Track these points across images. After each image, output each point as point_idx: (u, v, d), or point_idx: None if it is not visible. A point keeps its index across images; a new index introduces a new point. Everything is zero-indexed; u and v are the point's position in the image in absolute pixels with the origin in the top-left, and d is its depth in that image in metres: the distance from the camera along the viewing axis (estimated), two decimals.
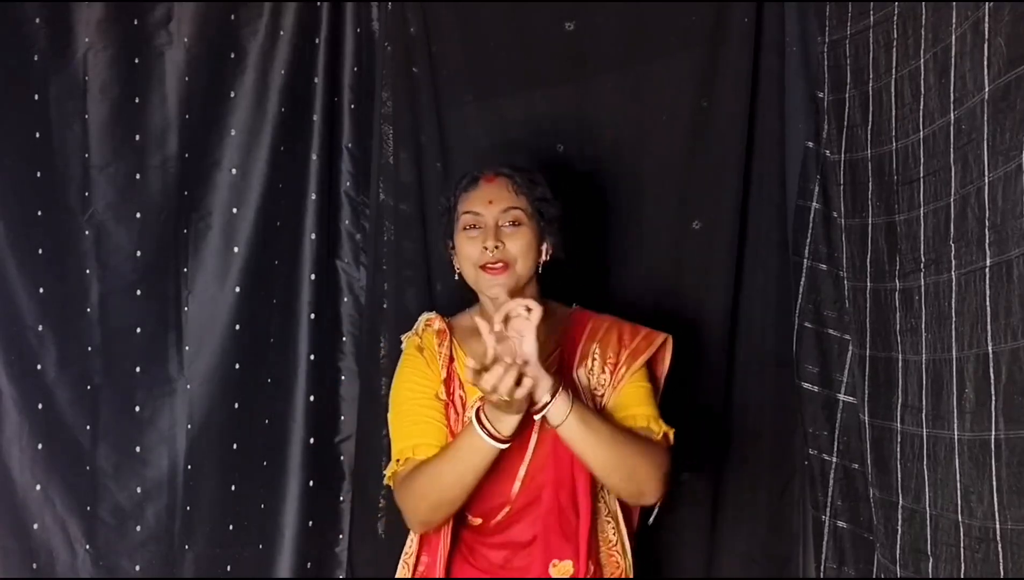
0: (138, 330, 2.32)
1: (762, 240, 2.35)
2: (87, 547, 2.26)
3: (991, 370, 1.50)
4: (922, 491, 1.74)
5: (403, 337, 1.96)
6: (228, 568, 2.41)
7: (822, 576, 2.28)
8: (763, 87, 2.32)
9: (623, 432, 1.77)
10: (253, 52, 2.40)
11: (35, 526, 2.19)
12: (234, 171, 2.40)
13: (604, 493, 1.88)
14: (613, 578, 1.86)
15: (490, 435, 1.67)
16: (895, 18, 1.82)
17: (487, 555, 1.87)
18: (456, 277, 1.92)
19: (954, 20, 1.60)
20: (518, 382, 1.60)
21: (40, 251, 2.18)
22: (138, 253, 2.31)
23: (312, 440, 2.47)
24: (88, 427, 2.26)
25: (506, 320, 1.66)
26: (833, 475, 2.25)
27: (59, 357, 2.21)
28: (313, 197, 2.47)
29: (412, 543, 1.90)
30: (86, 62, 2.24)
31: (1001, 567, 1.49)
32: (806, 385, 2.28)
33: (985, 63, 1.49)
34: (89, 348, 2.27)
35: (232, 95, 2.40)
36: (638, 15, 2.32)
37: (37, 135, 2.19)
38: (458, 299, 2.00)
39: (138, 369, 2.33)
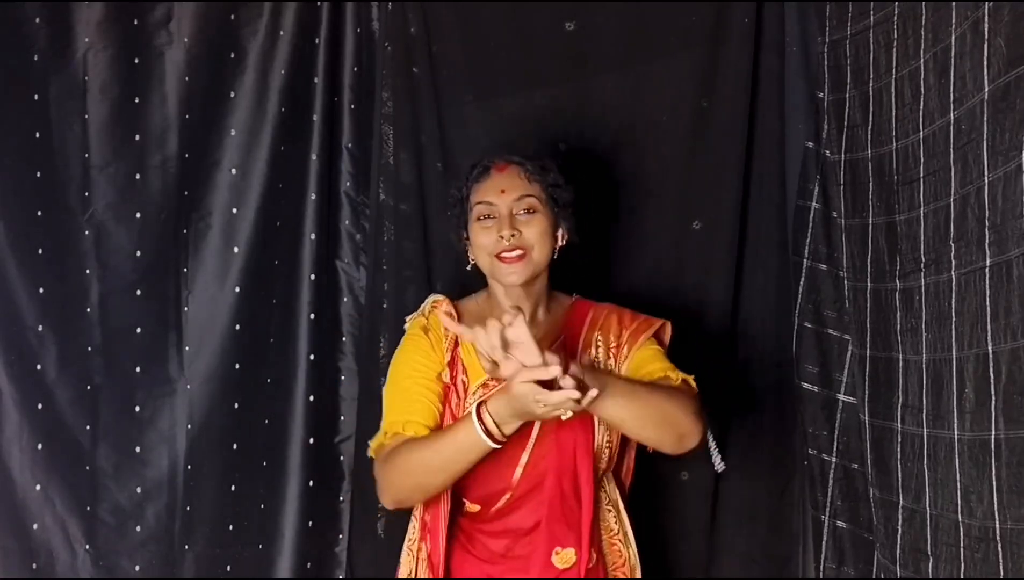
0: (138, 330, 2.32)
1: (762, 240, 2.35)
2: (87, 547, 2.26)
3: (991, 370, 1.50)
4: (922, 491, 1.74)
5: (408, 318, 1.95)
6: (228, 568, 2.41)
7: (822, 576, 2.28)
8: (763, 87, 2.32)
9: (645, 384, 1.76)
10: (253, 52, 2.40)
11: (35, 526, 2.19)
12: (234, 171, 2.40)
13: (605, 482, 1.89)
14: (622, 577, 1.87)
15: (489, 435, 1.66)
16: (895, 18, 1.82)
17: (487, 543, 1.86)
18: (469, 267, 1.92)
19: (954, 20, 1.61)
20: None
21: (40, 251, 2.18)
22: (138, 253, 2.31)
23: (312, 440, 2.47)
24: (88, 427, 2.26)
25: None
26: (833, 475, 2.25)
27: (59, 357, 2.21)
28: (313, 197, 2.47)
29: (415, 529, 1.90)
30: (86, 62, 2.24)
31: (1001, 567, 1.49)
32: (806, 385, 2.29)
33: (985, 63, 1.50)
34: (89, 348, 2.27)
35: (232, 95, 2.40)
36: (638, 15, 2.32)
37: (37, 135, 2.19)
38: (458, 298, 2.00)
39: (138, 369, 2.33)
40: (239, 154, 2.40)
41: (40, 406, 2.18)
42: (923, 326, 1.73)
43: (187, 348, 2.38)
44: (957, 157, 1.60)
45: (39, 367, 2.19)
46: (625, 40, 2.33)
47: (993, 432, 1.50)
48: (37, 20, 2.18)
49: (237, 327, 2.40)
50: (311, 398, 2.47)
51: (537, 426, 1.79)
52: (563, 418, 1.62)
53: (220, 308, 2.40)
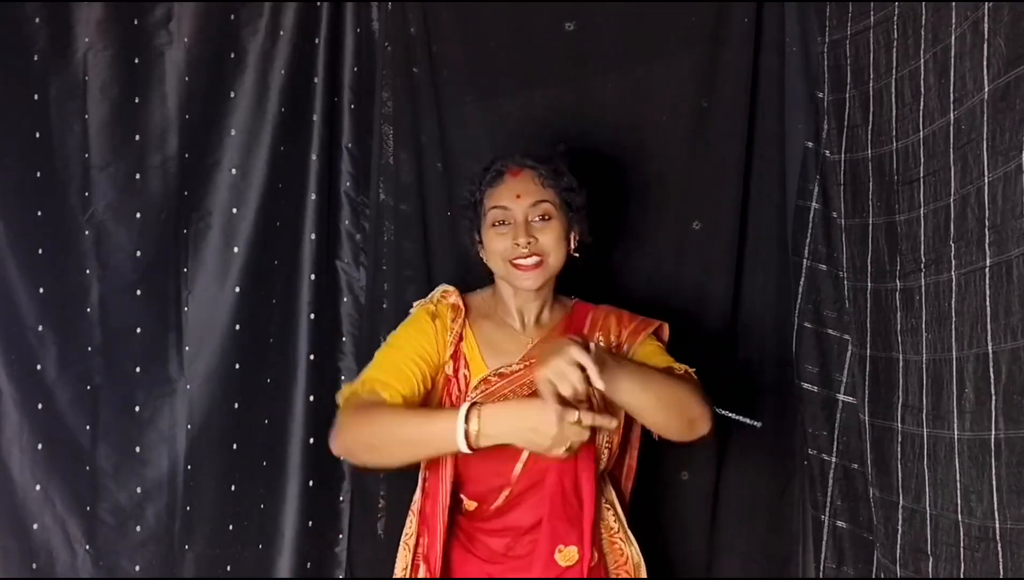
0: (138, 330, 2.32)
1: (762, 240, 2.35)
2: (87, 547, 2.26)
3: (991, 370, 1.50)
4: (922, 491, 1.74)
5: (415, 303, 1.94)
6: (228, 568, 2.41)
7: (822, 576, 2.28)
8: (763, 87, 2.32)
9: (654, 370, 1.77)
10: (253, 52, 2.40)
11: (35, 526, 2.20)
12: (234, 171, 2.40)
13: (602, 482, 1.89)
14: (625, 577, 1.87)
15: (466, 437, 1.63)
16: (895, 18, 1.82)
17: (487, 542, 1.86)
18: (488, 267, 1.93)
19: (954, 20, 1.61)
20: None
21: (40, 251, 2.18)
22: (138, 253, 2.31)
23: (312, 440, 2.47)
24: (88, 427, 2.27)
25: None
26: (833, 475, 2.25)
27: (59, 357, 2.21)
28: (313, 197, 2.46)
29: (411, 524, 1.90)
30: (86, 62, 2.25)
31: (1000, 566, 1.49)
32: (806, 385, 2.29)
33: (985, 63, 1.50)
34: (89, 348, 2.27)
35: (232, 95, 2.40)
36: (638, 15, 2.32)
37: (37, 135, 2.19)
38: None
39: (138, 369, 2.33)
40: (239, 154, 2.40)
41: (40, 406, 2.18)
42: (923, 326, 1.73)
43: (187, 348, 2.38)
44: (957, 157, 1.60)
45: (39, 367, 2.19)
46: (625, 40, 2.33)
47: (993, 432, 1.50)
48: (37, 20, 2.18)
49: (237, 327, 2.40)
50: (311, 398, 2.47)
51: None
52: (560, 455, 1.64)
53: (220, 308, 2.40)
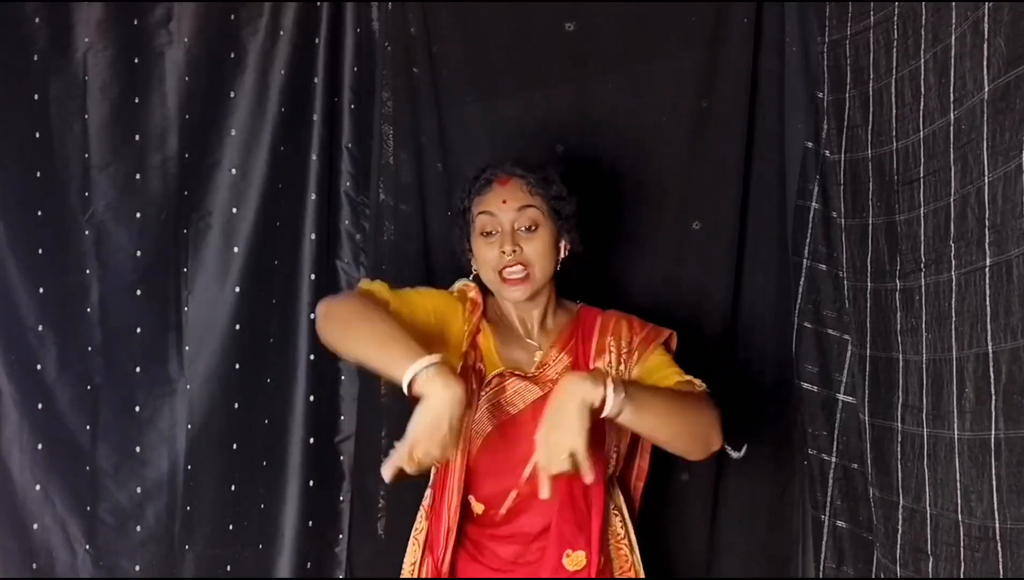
0: (138, 330, 2.33)
1: (762, 240, 2.35)
2: (87, 547, 2.26)
3: (991, 370, 1.50)
4: (922, 490, 1.74)
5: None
6: (228, 568, 2.41)
7: (821, 576, 2.28)
8: (763, 87, 2.32)
9: (671, 394, 1.76)
10: (253, 52, 2.40)
11: (35, 526, 2.20)
12: (234, 171, 2.40)
13: (610, 487, 1.89)
14: (627, 578, 1.87)
15: (412, 380, 1.57)
16: (895, 18, 1.83)
17: (496, 551, 1.86)
18: (471, 278, 1.92)
19: (954, 20, 1.61)
20: None
21: (40, 251, 2.19)
22: (138, 253, 2.31)
23: (312, 440, 2.47)
24: (88, 427, 2.27)
25: None
26: (832, 475, 2.25)
27: (59, 357, 2.22)
28: (313, 197, 2.46)
29: (422, 519, 1.90)
30: (86, 62, 2.25)
31: (1000, 566, 1.49)
32: (805, 385, 2.29)
33: (985, 63, 1.50)
34: (89, 348, 2.27)
35: (232, 95, 2.40)
36: (638, 15, 2.32)
37: (37, 135, 2.19)
38: None
39: (138, 369, 2.33)
40: (239, 154, 2.40)
41: (40, 406, 2.19)
42: (923, 326, 1.73)
43: (187, 348, 2.38)
44: (957, 157, 1.60)
45: (39, 367, 2.19)
46: (625, 40, 2.33)
47: (993, 432, 1.50)
48: (37, 20, 2.18)
49: (237, 327, 2.40)
50: (311, 398, 2.47)
51: None
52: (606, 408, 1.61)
53: (220, 308, 2.40)
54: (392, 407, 2.42)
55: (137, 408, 2.33)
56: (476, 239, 1.87)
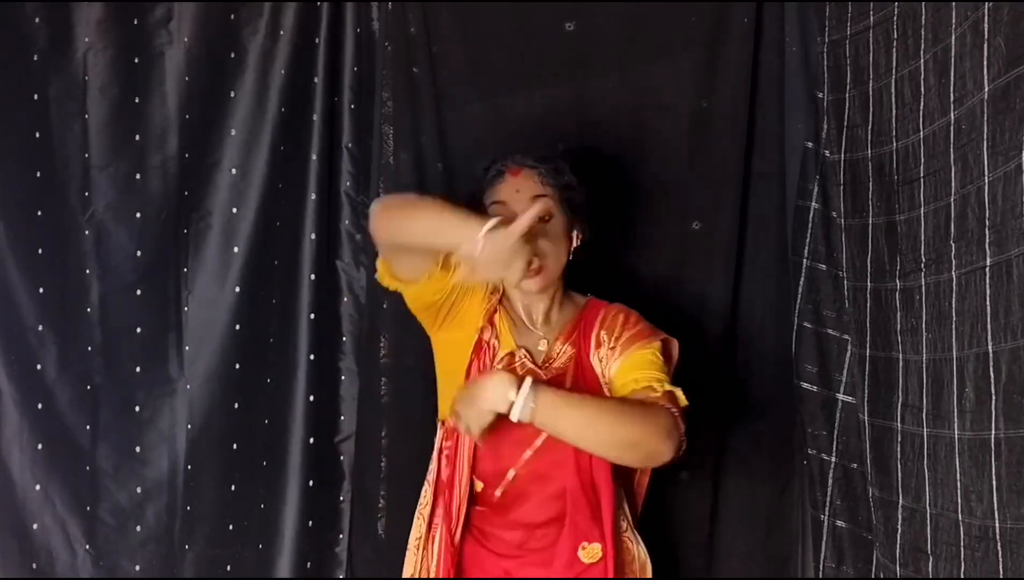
0: (138, 330, 2.33)
1: (762, 240, 2.35)
2: (87, 547, 2.26)
3: (991, 369, 1.50)
4: (922, 490, 1.75)
5: None
6: (228, 568, 2.41)
7: (821, 575, 2.28)
8: (763, 87, 2.32)
9: (610, 404, 1.74)
10: (253, 52, 2.40)
11: (35, 526, 2.20)
12: (234, 171, 2.40)
13: (617, 479, 1.89)
14: (635, 577, 1.87)
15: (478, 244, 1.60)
16: (895, 18, 1.83)
17: (502, 536, 1.86)
18: None
19: (954, 20, 1.61)
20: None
21: (40, 251, 2.19)
22: (138, 253, 2.31)
23: (312, 440, 2.47)
24: (88, 427, 2.27)
25: None
26: (832, 475, 2.25)
27: (59, 357, 2.22)
28: (313, 197, 2.46)
29: (427, 494, 1.90)
30: (86, 62, 2.25)
31: (1000, 566, 1.49)
32: (805, 385, 2.29)
33: (985, 63, 1.50)
34: (89, 348, 2.27)
35: (232, 95, 2.40)
36: (638, 15, 2.32)
37: (37, 135, 2.19)
38: None
39: (138, 369, 2.33)
40: (239, 154, 2.40)
41: (40, 406, 2.18)
42: (923, 326, 1.73)
43: (187, 348, 2.38)
44: (957, 157, 1.60)
45: (39, 367, 2.19)
46: (625, 40, 2.33)
47: (993, 431, 1.50)
48: (37, 20, 2.18)
49: (237, 327, 2.40)
50: (311, 398, 2.47)
51: None
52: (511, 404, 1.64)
53: (220, 308, 2.40)
54: (392, 407, 2.42)
55: (137, 408, 2.33)
56: None
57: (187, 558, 2.37)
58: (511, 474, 1.83)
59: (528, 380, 1.66)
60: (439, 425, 1.94)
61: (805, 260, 2.29)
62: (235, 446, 2.41)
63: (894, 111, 1.83)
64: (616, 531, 1.84)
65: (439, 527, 1.85)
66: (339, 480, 2.54)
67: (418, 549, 1.88)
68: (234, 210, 2.40)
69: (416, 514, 1.91)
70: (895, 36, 1.82)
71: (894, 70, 1.83)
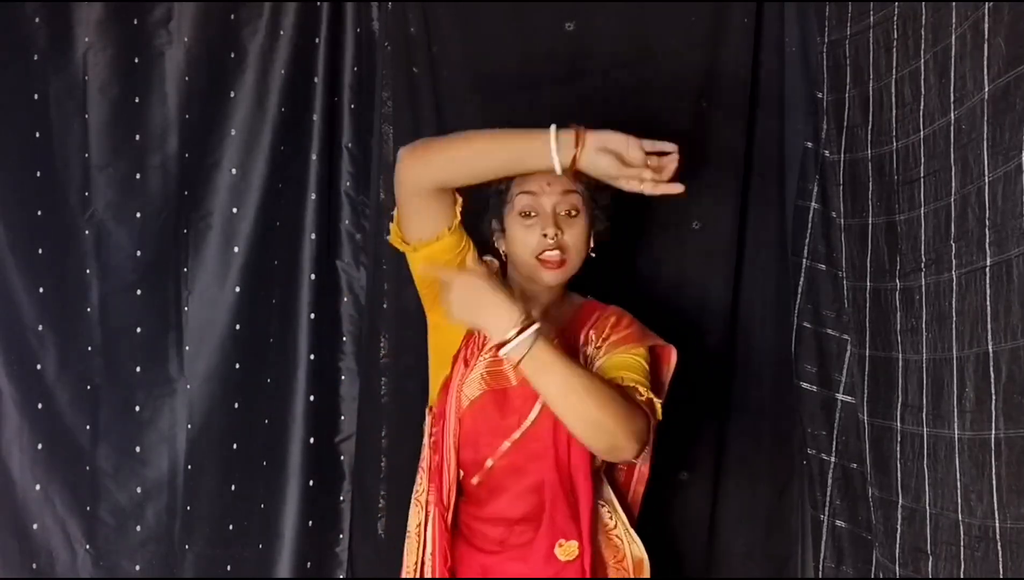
0: (138, 330, 2.33)
1: (762, 240, 2.35)
2: (87, 547, 2.26)
3: (991, 369, 1.51)
4: (922, 490, 1.75)
5: None
6: (228, 568, 2.41)
7: (821, 575, 2.28)
8: (763, 87, 2.32)
9: (598, 384, 1.70)
10: (253, 52, 2.40)
11: (35, 526, 2.20)
12: (234, 171, 2.40)
13: (597, 480, 1.89)
14: (629, 577, 1.87)
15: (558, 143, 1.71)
16: (895, 18, 1.83)
17: (485, 531, 1.86)
18: (505, 257, 1.91)
19: (954, 20, 1.61)
20: None
21: (40, 251, 2.19)
22: (138, 253, 2.31)
23: (312, 440, 2.47)
24: (88, 427, 2.27)
25: None
26: (832, 475, 2.25)
27: (59, 357, 2.22)
28: (313, 197, 2.46)
29: (422, 480, 1.89)
30: (86, 62, 2.25)
31: (1000, 565, 1.50)
32: (805, 385, 2.29)
33: (985, 63, 1.50)
34: (89, 348, 2.27)
35: (232, 95, 2.40)
36: (638, 15, 2.32)
37: (37, 135, 2.19)
38: None
39: (138, 369, 2.33)
40: (239, 154, 2.40)
41: (40, 406, 2.19)
42: (923, 326, 1.73)
43: (187, 348, 2.38)
44: (957, 157, 1.60)
45: (39, 367, 2.19)
46: (625, 40, 2.33)
47: (993, 431, 1.51)
48: (37, 20, 2.18)
49: (237, 327, 2.40)
50: (311, 398, 2.47)
51: (537, 407, 1.79)
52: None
53: (220, 308, 2.40)
54: (392, 407, 2.42)
55: (137, 408, 2.33)
56: (513, 219, 1.85)
57: (187, 558, 2.38)
58: (489, 463, 1.82)
59: (535, 326, 1.63)
60: (427, 411, 1.93)
61: (805, 260, 2.29)
62: (235, 446, 2.42)
63: (894, 111, 1.83)
64: (594, 530, 1.84)
65: (433, 513, 1.84)
66: (339, 480, 2.54)
67: (418, 536, 1.87)
68: (234, 210, 2.40)
69: (412, 501, 1.90)
70: (895, 36, 1.82)
71: (894, 70, 1.83)
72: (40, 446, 2.18)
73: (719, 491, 2.37)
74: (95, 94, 2.26)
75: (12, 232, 2.14)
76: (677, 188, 1.75)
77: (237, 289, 2.40)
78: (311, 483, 2.48)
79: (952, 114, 1.61)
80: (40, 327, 2.18)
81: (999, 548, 1.50)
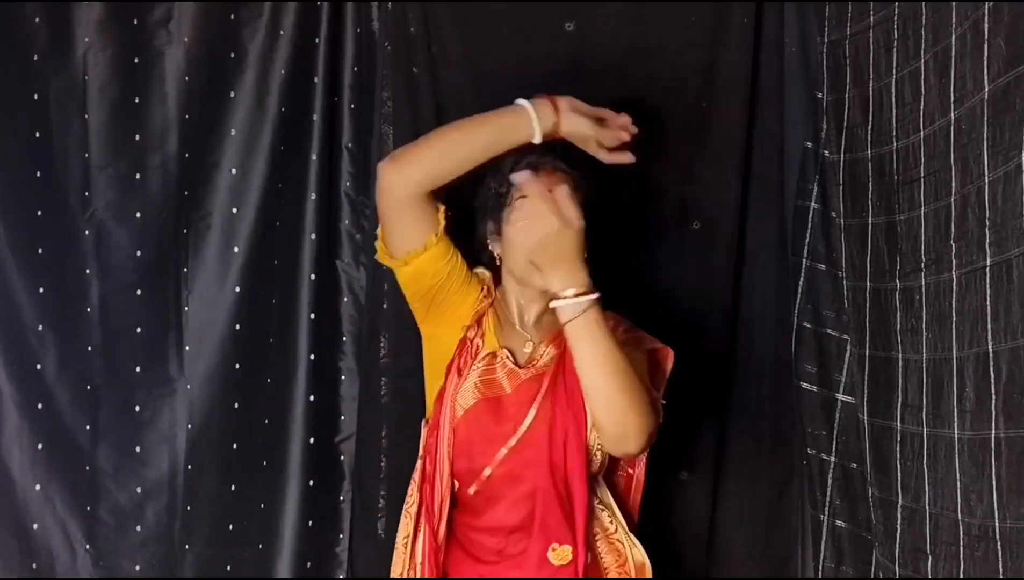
0: (138, 330, 2.33)
1: (761, 240, 2.35)
2: (87, 547, 2.26)
3: (991, 369, 1.51)
4: (922, 490, 1.75)
5: None
6: (228, 568, 2.41)
7: (821, 575, 2.28)
8: (762, 87, 2.32)
9: (631, 373, 1.71)
10: (253, 52, 2.40)
11: (35, 526, 2.20)
12: (234, 171, 2.40)
13: (595, 483, 1.89)
14: (626, 577, 1.87)
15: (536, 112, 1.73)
16: (895, 18, 1.83)
17: (482, 541, 1.86)
18: (498, 262, 1.92)
19: (954, 20, 1.61)
20: None
21: (40, 251, 2.19)
22: (138, 253, 2.32)
23: (312, 440, 2.47)
24: (88, 427, 2.27)
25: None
26: (831, 474, 2.25)
27: (59, 357, 2.22)
28: (313, 197, 2.46)
29: (413, 492, 1.89)
30: (86, 62, 2.25)
31: (1000, 565, 1.49)
32: (804, 385, 2.29)
33: (985, 63, 1.50)
34: (89, 348, 2.27)
35: (232, 95, 2.40)
36: (638, 15, 2.32)
37: (37, 135, 2.20)
38: None
39: (138, 369, 2.33)
40: (239, 154, 2.40)
41: (40, 406, 2.19)
42: (923, 326, 1.73)
43: (187, 348, 2.38)
44: (957, 157, 1.60)
45: (39, 367, 2.19)
46: (625, 40, 2.33)
47: (993, 431, 1.51)
48: (37, 20, 2.18)
49: (237, 327, 2.40)
50: (311, 398, 2.47)
51: (533, 412, 1.79)
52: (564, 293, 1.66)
53: (220, 308, 2.40)
54: (392, 407, 2.42)
55: (137, 408, 2.33)
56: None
57: (187, 558, 2.38)
58: (487, 471, 1.82)
59: (596, 295, 1.66)
60: (423, 423, 1.93)
61: (805, 260, 2.29)
62: (235, 446, 2.41)
63: (894, 111, 1.83)
64: (589, 535, 1.84)
65: (423, 526, 1.84)
66: (339, 480, 2.54)
67: (406, 548, 1.88)
68: (234, 210, 2.40)
69: (403, 512, 1.91)
70: (895, 36, 1.82)
71: (894, 70, 1.83)
72: (40, 446, 2.18)
73: (719, 491, 2.37)
74: (95, 94, 2.26)
75: (12, 232, 2.14)
76: (628, 157, 1.83)
77: (237, 289, 2.40)
78: (311, 483, 2.48)
79: (952, 114, 1.61)
80: (40, 327, 2.19)
81: (999, 548, 1.50)
